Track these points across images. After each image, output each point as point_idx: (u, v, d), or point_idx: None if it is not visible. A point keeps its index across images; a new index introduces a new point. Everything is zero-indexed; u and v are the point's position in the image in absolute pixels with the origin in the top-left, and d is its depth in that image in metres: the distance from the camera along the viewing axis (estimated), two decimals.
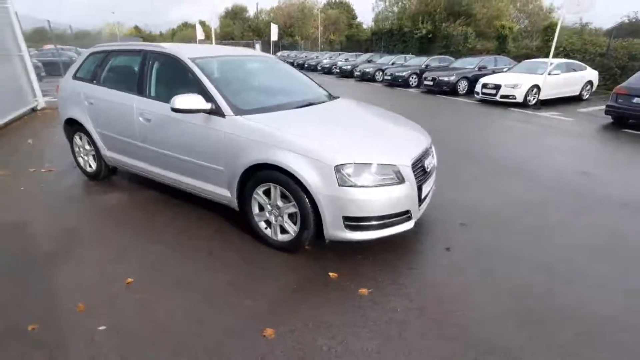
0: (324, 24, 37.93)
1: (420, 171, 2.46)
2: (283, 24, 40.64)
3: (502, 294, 2.16)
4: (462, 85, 11.72)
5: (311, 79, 3.75)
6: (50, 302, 2.01)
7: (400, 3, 26.76)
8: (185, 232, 2.78)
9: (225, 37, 44.15)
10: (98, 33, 46.27)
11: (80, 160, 3.81)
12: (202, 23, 54.26)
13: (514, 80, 9.43)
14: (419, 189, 2.40)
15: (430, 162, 2.64)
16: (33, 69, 7.98)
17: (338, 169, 2.14)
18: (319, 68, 22.02)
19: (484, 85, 9.93)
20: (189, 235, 2.74)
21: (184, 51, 2.89)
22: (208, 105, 2.51)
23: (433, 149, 2.86)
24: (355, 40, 29.69)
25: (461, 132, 6.66)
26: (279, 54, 34.34)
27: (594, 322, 1.94)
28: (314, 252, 2.53)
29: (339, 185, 2.14)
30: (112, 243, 2.63)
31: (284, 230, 2.46)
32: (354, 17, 42.57)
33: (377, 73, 16.45)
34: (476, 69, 11.95)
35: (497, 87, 9.52)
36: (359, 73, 17.32)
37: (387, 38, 24.01)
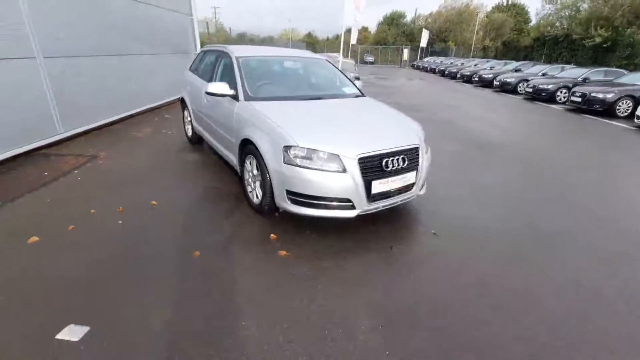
0: (485, 29, 34.69)
1: (375, 168, 2.59)
2: (437, 29, 39.23)
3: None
4: (624, 106, 9.19)
5: (351, 80, 4.10)
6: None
7: (572, 7, 22.02)
8: (212, 181, 3.73)
9: (379, 41, 45.85)
10: (278, 38, 55.37)
11: (185, 128, 5.31)
12: (365, 29, 57.35)
13: None
14: (368, 183, 2.56)
15: (398, 164, 2.69)
16: None
17: (286, 149, 2.57)
18: (458, 76, 20.65)
19: None
20: (212, 185, 3.66)
21: (237, 51, 3.77)
22: (231, 92, 3.31)
23: (421, 152, 2.87)
24: (513, 47, 26.16)
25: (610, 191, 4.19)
26: (425, 59, 33.56)
27: None
28: (277, 220, 3.01)
29: (284, 162, 2.57)
30: (175, 174, 3.78)
31: (257, 196, 3.04)
32: (527, 21, 37.19)
33: (520, 84, 14.43)
34: None
35: None
36: (498, 83, 15.53)
37: (550, 46, 20.34)
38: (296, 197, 2.61)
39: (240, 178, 3.34)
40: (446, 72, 23.10)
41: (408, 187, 2.87)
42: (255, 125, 2.89)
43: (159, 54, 7.90)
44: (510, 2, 38.27)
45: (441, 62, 27.93)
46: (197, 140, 5.07)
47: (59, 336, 1.74)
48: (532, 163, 5.05)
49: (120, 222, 2.88)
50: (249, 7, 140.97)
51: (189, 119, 5.05)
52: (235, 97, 3.31)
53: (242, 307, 2.01)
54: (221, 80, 3.76)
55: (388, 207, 2.82)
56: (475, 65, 21.56)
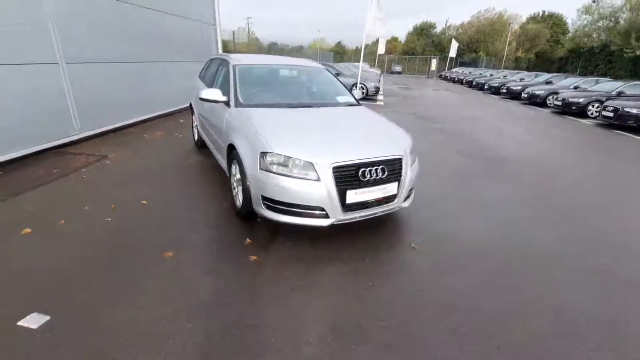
0: (518, 40, 33.53)
1: (351, 177, 2.56)
2: (468, 39, 38.40)
3: None
4: None
5: (348, 89, 4.10)
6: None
7: (611, 17, 20.74)
8: (207, 184, 3.83)
9: (407, 52, 45.53)
10: (307, 48, 56.32)
11: (192, 132, 5.50)
12: (395, 39, 57.14)
13: None
14: (343, 192, 2.54)
15: (377, 174, 2.64)
16: None
17: (262, 155, 2.60)
18: (486, 87, 20.06)
19: None
20: (206, 188, 3.75)
21: (235, 59, 3.89)
22: (224, 98, 3.40)
23: (404, 163, 2.81)
24: (547, 58, 25.09)
25: None
26: (454, 70, 32.92)
27: None
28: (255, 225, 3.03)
29: (260, 168, 2.60)
30: (175, 176, 3.92)
31: (240, 200, 3.08)
32: (565, 32, 35.59)
33: (549, 97, 13.79)
34: None
35: None
36: (526, 95, 14.94)
37: (586, 57, 19.31)
38: (271, 203, 2.62)
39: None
40: (474, 83, 22.52)
41: (389, 199, 2.81)
42: (239, 131, 2.95)
43: (180, 61, 8.26)
44: (546, 13, 36.89)
45: (469, 72, 27.28)
46: (202, 145, 5.22)
47: (20, 322, 1.84)
48: (543, 181, 4.78)
49: (108, 219, 3.01)
50: (282, 18, 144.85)
51: (195, 123, 5.23)
52: (227, 104, 3.40)
53: (194, 309, 2.03)
54: (221, 86, 3.88)
55: (367, 217, 2.78)
56: (504, 76, 20.86)
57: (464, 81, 25.45)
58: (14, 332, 1.78)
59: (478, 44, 37.06)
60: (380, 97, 14.89)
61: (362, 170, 2.59)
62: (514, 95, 16.50)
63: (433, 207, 3.66)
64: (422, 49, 43.21)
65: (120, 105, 6.20)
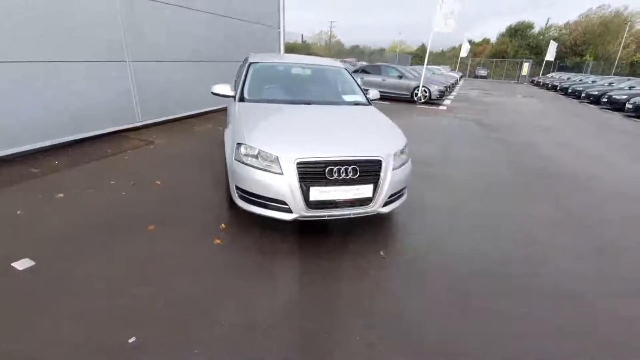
0: (639, 42, 28.02)
1: (316, 174, 2.54)
2: (573, 41, 33.44)
3: None
4: None
5: (363, 90, 4.02)
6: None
7: None
8: (222, 172, 4.14)
9: (497, 54, 41.71)
10: (389, 50, 55.53)
11: None
12: (487, 41, 52.78)
13: None
14: (307, 189, 2.54)
15: (346, 174, 2.57)
16: None
17: (238, 146, 2.74)
18: (583, 95, 17.36)
19: None
20: (220, 175, 4.05)
21: (254, 58, 4.12)
22: (232, 93, 3.65)
23: (384, 166, 2.68)
24: None
25: None
26: (549, 75, 29.17)
27: None
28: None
29: (235, 159, 2.74)
30: (200, 161, 4.35)
31: None
32: None
33: None
34: None
35: None
36: (630, 106, 12.52)
37: None
38: (243, 193, 2.74)
39: None
40: (569, 91, 19.65)
41: (363, 201, 2.70)
42: (232, 123, 3.14)
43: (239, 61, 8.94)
44: None
45: (567, 78, 23.87)
46: None
47: (13, 264, 2.28)
48: (593, 209, 4.03)
49: (123, 193, 3.49)
50: (368, 22, 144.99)
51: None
52: (234, 98, 3.64)
53: (144, 276, 2.26)
54: (235, 82, 4.15)
55: (339, 218, 2.72)
56: (609, 83, 17.75)
57: (558, 88, 22.38)
58: (5, 270, 2.23)
59: (585, 46, 31.95)
60: (447, 101, 14.02)
61: (329, 168, 2.55)
62: (617, 106, 13.95)
63: (432, 219, 3.39)
64: (514, 51, 39.06)
65: (178, 99, 6.99)
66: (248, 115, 3.11)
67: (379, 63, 16.84)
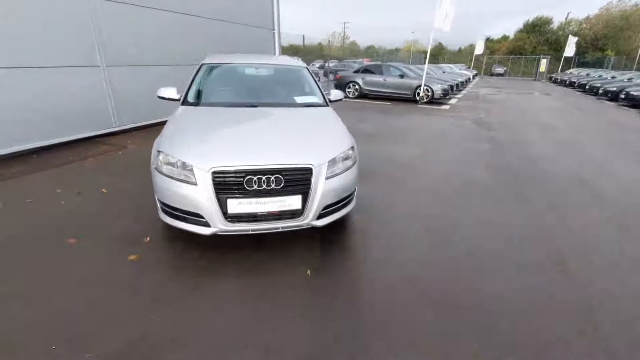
0: None
1: (234, 185, 2.30)
2: (593, 35, 31.83)
3: None
4: None
5: (321, 91, 3.75)
6: None
7: None
8: None
9: (514, 51, 40.30)
10: (403, 50, 54.69)
11: None
12: (505, 38, 51.39)
13: None
14: (224, 201, 2.30)
15: (268, 184, 2.32)
16: None
17: (157, 153, 2.53)
18: (600, 92, 16.40)
19: None
20: None
21: (209, 58, 3.92)
22: (178, 96, 3.46)
23: (316, 175, 2.42)
24: None
25: None
26: (568, 71, 27.92)
27: None
28: None
29: (154, 167, 2.53)
30: None
31: None
32: None
33: None
34: None
35: None
36: None
37: None
38: (162, 204, 2.54)
39: None
40: (587, 87, 18.64)
41: (293, 214, 2.44)
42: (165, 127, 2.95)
43: None
44: None
45: (586, 74, 22.71)
46: None
47: None
48: (568, 213, 3.61)
49: (62, 202, 3.35)
50: (384, 23, 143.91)
51: None
52: (179, 101, 3.44)
53: (47, 291, 2.08)
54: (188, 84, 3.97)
55: (263, 232, 2.47)
56: (629, 79, 16.68)
57: (575, 84, 21.30)
58: None
59: (606, 40, 30.29)
60: (452, 100, 13.51)
61: (249, 177, 2.31)
62: (635, 102, 13.05)
63: (389, 229, 3.08)
64: (532, 47, 37.55)
65: (156, 103, 6.88)
66: (180, 120, 2.92)
67: (379, 62, 16.45)
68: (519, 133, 7.57)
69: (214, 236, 2.46)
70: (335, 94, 3.91)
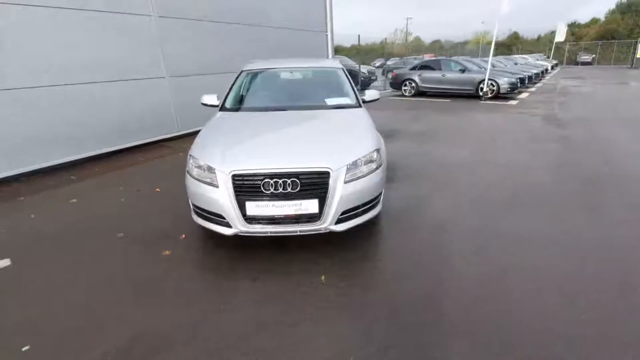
0: None
1: (252, 188, 2.37)
2: None
3: None
4: None
5: (355, 92, 3.69)
6: None
7: None
8: None
9: (604, 36, 35.05)
10: (471, 42, 51.17)
11: None
12: (595, 21, 45.38)
13: None
14: (242, 203, 2.39)
15: (284, 187, 2.35)
16: None
17: (190, 157, 2.72)
18: None
19: None
20: None
21: (248, 65, 4.09)
22: (218, 102, 3.68)
23: (333, 179, 2.39)
24: None
25: None
26: None
27: None
28: None
29: (186, 170, 2.72)
30: None
31: None
32: None
33: None
34: None
35: None
36: None
37: None
38: (193, 206, 2.72)
39: None
40: None
41: (310, 218, 2.44)
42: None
43: None
44: None
45: None
46: None
47: None
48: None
49: (122, 200, 3.79)
50: (451, 17, 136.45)
51: None
52: (218, 107, 3.66)
53: (90, 274, 2.38)
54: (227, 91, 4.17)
55: (282, 235, 2.52)
56: None
57: None
58: None
59: None
60: (523, 95, 12.29)
61: (265, 181, 2.37)
62: None
63: (397, 237, 2.91)
64: (627, 30, 32.23)
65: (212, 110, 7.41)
66: (213, 125, 3.11)
67: (439, 57, 15.58)
68: (600, 133, 6.51)
69: (238, 237, 2.57)
70: (370, 94, 3.81)
